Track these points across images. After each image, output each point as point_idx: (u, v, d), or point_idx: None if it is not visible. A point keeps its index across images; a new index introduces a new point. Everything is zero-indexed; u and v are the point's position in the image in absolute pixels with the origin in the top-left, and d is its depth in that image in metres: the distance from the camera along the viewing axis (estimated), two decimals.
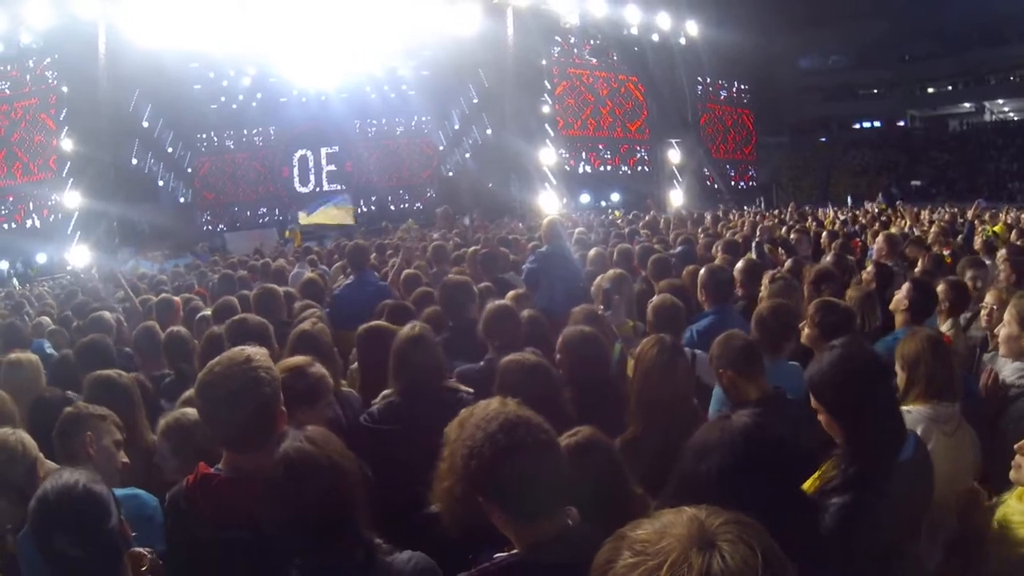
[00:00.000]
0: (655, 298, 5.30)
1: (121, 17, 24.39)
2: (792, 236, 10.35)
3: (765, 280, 6.18)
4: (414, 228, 22.46)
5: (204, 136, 35.31)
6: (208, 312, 7.07)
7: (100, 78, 25.46)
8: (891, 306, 5.44)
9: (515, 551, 2.40)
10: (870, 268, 6.80)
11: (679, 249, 9.67)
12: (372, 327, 4.69)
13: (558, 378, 3.97)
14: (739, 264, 6.95)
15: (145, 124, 31.28)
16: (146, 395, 4.86)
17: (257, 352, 2.79)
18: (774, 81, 44.14)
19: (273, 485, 2.43)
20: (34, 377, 5.36)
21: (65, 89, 26.37)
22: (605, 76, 33.58)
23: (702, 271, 6.11)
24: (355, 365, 5.36)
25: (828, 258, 7.82)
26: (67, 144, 26.04)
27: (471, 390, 3.96)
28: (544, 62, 30.86)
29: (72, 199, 25.79)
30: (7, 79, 27.52)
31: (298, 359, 3.56)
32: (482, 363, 4.67)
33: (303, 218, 32.06)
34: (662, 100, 32.25)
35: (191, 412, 3.58)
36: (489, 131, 33.26)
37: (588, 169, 34.13)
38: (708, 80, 36.87)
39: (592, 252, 8.97)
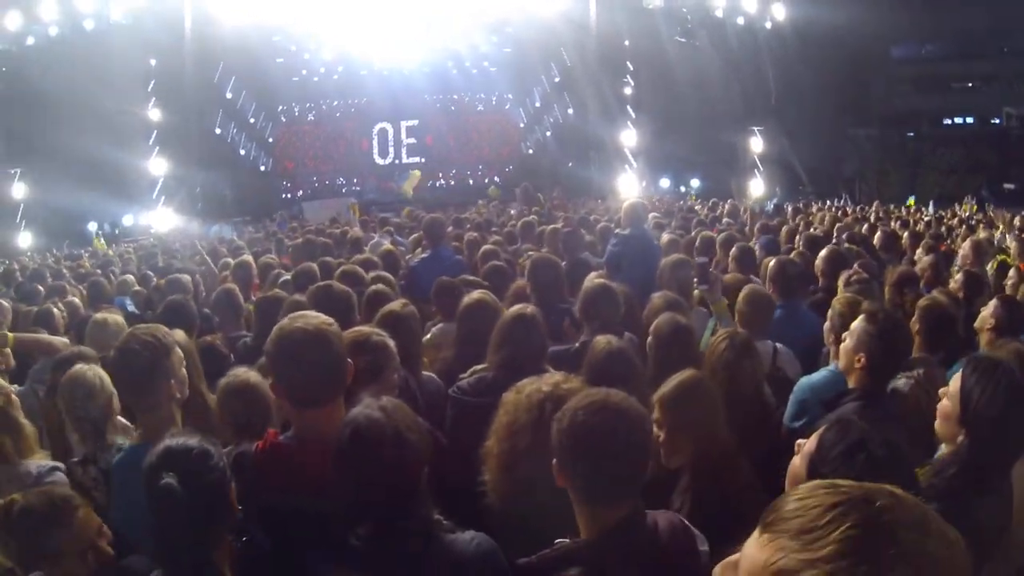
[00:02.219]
0: (746, 289, 5.14)
1: None
2: (877, 237, 9.90)
3: (841, 280, 5.92)
4: (496, 199, 22.40)
5: (285, 107, 35.67)
6: (288, 276, 7.12)
7: (186, 52, 26.51)
8: (976, 324, 5.13)
9: (578, 539, 2.39)
10: (958, 276, 6.44)
11: (762, 239, 9.39)
12: (478, 300, 4.59)
13: (641, 366, 3.90)
14: (822, 253, 6.80)
15: (229, 95, 31.84)
16: (221, 357, 4.88)
17: (321, 314, 2.89)
18: (864, 70, 42.67)
19: (338, 449, 2.42)
20: (118, 335, 5.43)
21: (153, 62, 27.21)
22: (689, 58, 32.91)
23: (772, 263, 5.98)
24: (427, 336, 5.32)
25: (925, 259, 7.47)
26: (154, 114, 27.04)
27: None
28: (627, 42, 30.43)
29: (158, 165, 26.83)
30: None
31: (360, 329, 3.55)
32: (576, 345, 4.54)
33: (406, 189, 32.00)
34: (745, 86, 31.51)
35: (250, 375, 3.66)
36: (571, 110, 32.95)
37: (668, 152, 33.43)
38: (796, 68, 35.85)
39: (665, 238, 8.86)
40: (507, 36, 32.08)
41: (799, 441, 2.40)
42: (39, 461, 3.60)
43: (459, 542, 2.44)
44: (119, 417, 4.03)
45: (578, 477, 2.37)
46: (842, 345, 3.77)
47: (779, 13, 29.30)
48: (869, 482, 2.04)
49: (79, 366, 3.76)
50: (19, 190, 25.88)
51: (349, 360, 2.85)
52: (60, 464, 3.57)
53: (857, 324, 3.69)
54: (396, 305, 4.41)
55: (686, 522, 2.57)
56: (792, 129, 31.44)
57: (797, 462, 2.36)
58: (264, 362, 4.12)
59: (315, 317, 2.83)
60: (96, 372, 3.73)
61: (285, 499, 2.67)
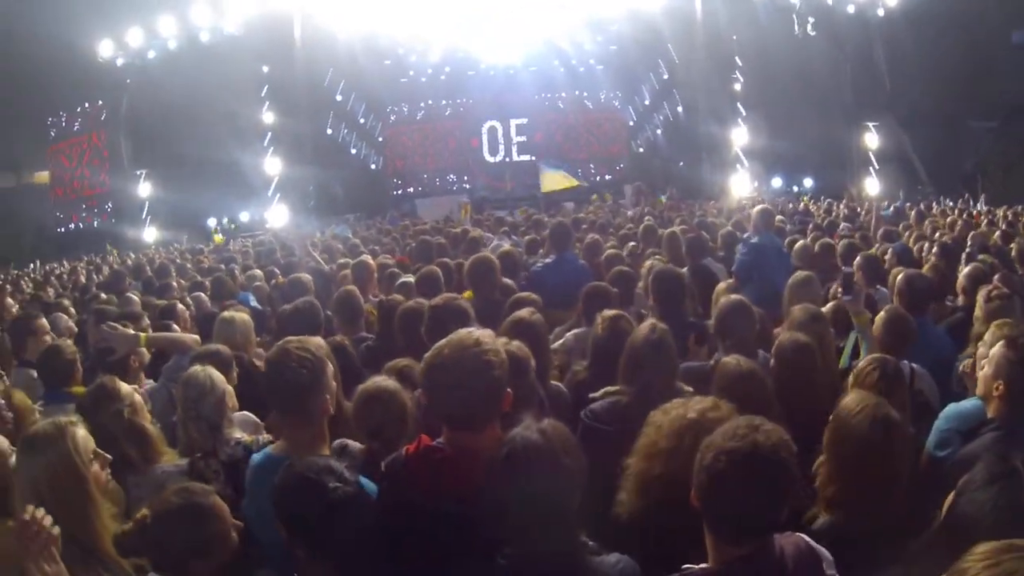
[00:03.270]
0: (888, 311, 4.84)
1: (314, 4, 26.58)
2: (1014, 247, 9.20)
3: (981, 295, 5.45)
4: (609, 200, 22.19)
5: (394, 108, 36.53)
6: (409, 278, 7.10)
7: (296, 59, 27.83)
8: None
9: (706, 565, 2.41)
10: None
11: (896, 246, 8.91)
12: (616, 319, 4.47)
13: (771, 389, 3.77)
14: (966, 269, 6.34)
15: (338, 98, 32.69)
16: (350, 359, 4.88)
17: (486, 335, 2.81)
18: (984, 58, 40.33)
19: (494, 469, 2.46)
20: (245, 332, 5.56)
21: (266, 69, 28.61)
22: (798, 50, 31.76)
23: (900, 277, 5.68)
24: (556, 344, 5.26)
25: None
26: (268, 117, 28.37)
27: (692, 390, 3.77)
28: (734, 37, 29.72)
29: (272, 165, 28.10)
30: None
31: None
32: (711, 362, 4.47)
33: (545, 186, 32.03)
34: (858, 78, 30.27)
35: (388, 382, 3.64)
36: (680, 108, 32.37)
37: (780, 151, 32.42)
38: (909, 58, 34.19)
39: (798, 245, 8.61)
40: (612, 34, 31.69)
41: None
42: (165, 464, 3.69)
43: (604, 565, 2.47)
44: (243, 412, 4.15)
45: (710, 514, 2.37)
46: (980, 372, 3.62)
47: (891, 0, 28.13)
48: (1002, 512, 2.09)
49: (193, 368, 3.85)
50: (144, 189, 28.57)
51: (508, 391, 2.78)
52: (183, 464, 3.65)
53: (996, 350, 3.52)
54: (525, 313, 4.38)
55: (813, 545, 2.53)
56: (908, 123, 30.03)
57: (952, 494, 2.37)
58: (393, 365, 4.17)
59: (477, 343, 2.73)
60: (208, 373, 3.81)
61: (432, 503, 2.68)
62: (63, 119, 31.68)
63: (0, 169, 34.85)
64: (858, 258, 7.19)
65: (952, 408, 3.91)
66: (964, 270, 6.32)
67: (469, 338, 2.74)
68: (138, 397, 3.89)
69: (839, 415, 3.07)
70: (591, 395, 3.99)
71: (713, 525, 2.37)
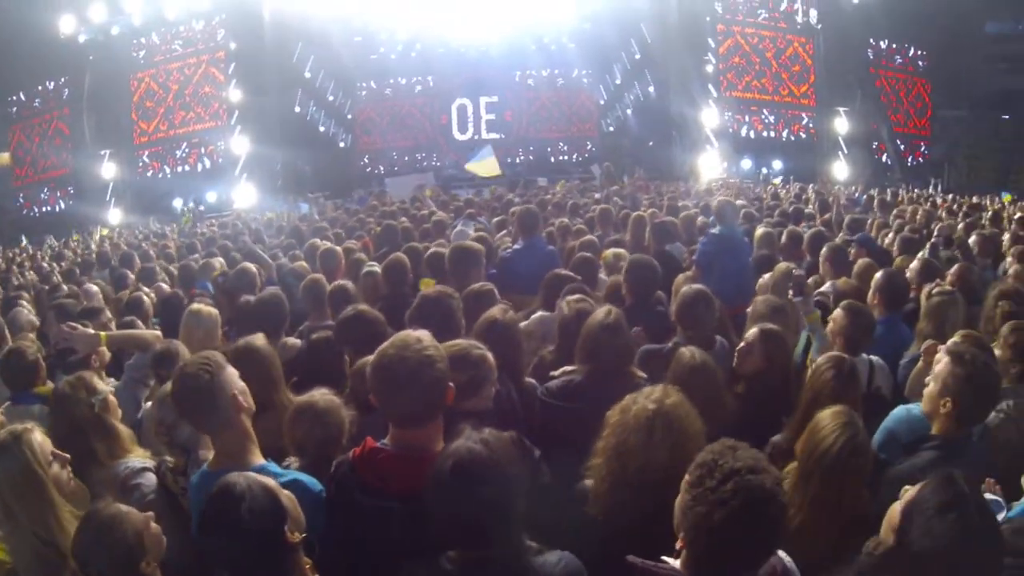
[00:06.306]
0: (846, 306, 4.79)
1: None
2: (973, 239, 9.03)
3: (924, 292, 5.43)
4: (575, 186, 22.01)
5: (364, 84, 36.03)
6: (375, 268, 7.05)
7: (265, 34, 28.00)
8: None
9: (677, 566, 2.38)
10: None
11: (861, 237, 8.87)
12: (580, 303, 4.64)
13: (722, 378, 4.03)
14: (914, 264, 6.39)
15: (307, 75, 32.12)
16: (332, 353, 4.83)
17: (425, 335, 2.91)
18: (956, 47, 40.47)
19: (437, 479, 2.46)
20: (211, 327, 5.56)
21: (233, 45, 28.59)
22: (771, 35, 31.98)
23: (879, 275, 5.64)
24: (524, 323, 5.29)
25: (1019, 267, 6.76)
26: (235, 95, 28.33)
27: (645, 375, 3.98)
28: (708, 18, 29.67)
29: (240, 144, 28.01)
30: (180, 38, 29.70)
31: (459, 343, 3.54)
32: (669, 345, 4.62)
33: (469, 166, 31.93)
34: (831, 64, 30.39)
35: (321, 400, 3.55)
36: (651, 88, 32.30)
37: (751, 134, 32.58)
38: (882, 44, 34.44)
39: (759, 232, 8.65)
40: (585, 11, 31.46)
41: (906, 487, 2.43)
42: (131, 460, 3.68)
43: (547, 565, 2.50)
44: None
45: (698, 559, 2.32)
46: (926, 389, 3.56)
47: None
48: (958, 542, 2.15)
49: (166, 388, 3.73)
50: (108, 170, 28.05)
51: (451, 384, 2.89)
52: (150, 464, 3.65)
53: (943, 367, 3.45)
54: (497, 312, 4.35)
55: (788, 564, 2.55)
56: (879, 109, 30.19)
57: (896, 508, 2.40)
58: (363, 363, 4.10)
59: (418, 344, 2.83)
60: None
61: (377, 501, 2.79)
62: (23, 97, 30.82)
63: None
64: (824, 248, 7.17)
65: (902, 411, 3.89)
66: (913, 265, 6.34)
67: (410, 338, 2.86)
68: (112, 398, 3.90)
69: (815, 435, 3.09)
70: (551, 373, 4.16)
71: (695, 566, 2.33)
